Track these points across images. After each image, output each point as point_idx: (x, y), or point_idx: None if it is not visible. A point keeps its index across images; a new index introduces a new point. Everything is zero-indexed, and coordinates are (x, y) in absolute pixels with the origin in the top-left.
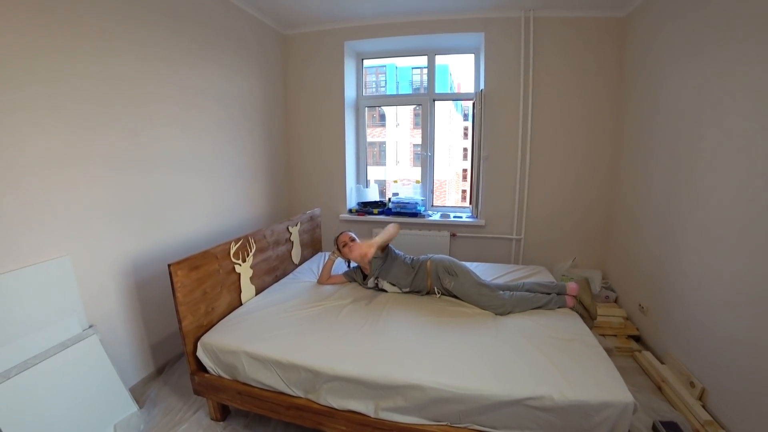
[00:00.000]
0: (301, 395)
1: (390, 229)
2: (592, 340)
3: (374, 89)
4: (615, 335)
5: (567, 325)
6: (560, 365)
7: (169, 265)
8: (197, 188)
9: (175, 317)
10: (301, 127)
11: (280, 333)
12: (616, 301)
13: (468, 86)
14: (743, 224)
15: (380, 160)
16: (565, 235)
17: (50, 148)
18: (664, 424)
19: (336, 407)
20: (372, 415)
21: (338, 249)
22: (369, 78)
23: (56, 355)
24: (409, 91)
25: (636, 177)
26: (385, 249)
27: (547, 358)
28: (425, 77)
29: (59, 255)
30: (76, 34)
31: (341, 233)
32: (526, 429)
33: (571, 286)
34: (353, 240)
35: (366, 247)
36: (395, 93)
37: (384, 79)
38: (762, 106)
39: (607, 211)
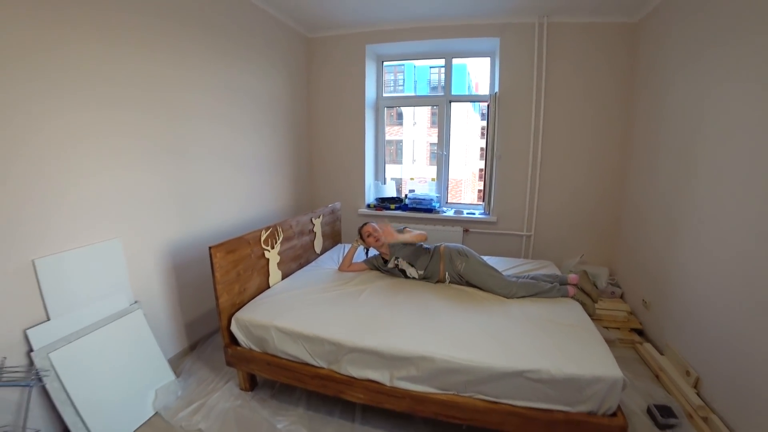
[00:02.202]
0: (324, 366)
1: (418, 234)
2: (590, 326)
3: (392, 88)
4: (618, 328)
5: (568, 312)
6: (558, 344)
7: (210, 248)
8: (229, 181)
9: (207, 299)
10: (322, 125)
11: (306, 311)
12: (622, 296)
13: (485, 86)
14: (739, 224)
15: (396, 159)
16: (574, 232)
17: (105, 146)
18: (658, 407)
19: (355, 376)
20: (387, 384)
21: (362, 238)
22: (387, 76)
23: (107, 326)
24: (427, 90)
25: (643, 177)
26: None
27: (546, 338)
28: (443, 76)
29: (111, 237)
30: (121, 42)
31: (365, 224)
32: (525, 399)
33: (572, 277)
34: (377, 230)
35: (392, 236)
36: (413, 91)
37: (402, 77)
38: (759, 109)
39: (615, 210)
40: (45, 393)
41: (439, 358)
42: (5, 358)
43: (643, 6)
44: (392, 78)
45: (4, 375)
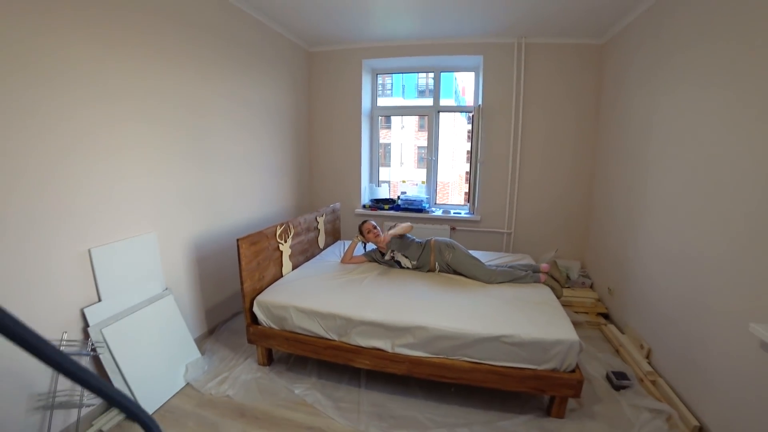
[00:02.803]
0: (336, 338)
1: (405, 225)
2: (556, 304)
3: (381, 92)
4: (587, 313)
5: (538, 294)
6: (528, 317)
7: (237, 240)
8: (241, 183)
9: (223, 289)
10: (322, 132)
11: (318, 293)
12: (591, 286)
13: (471, 90)
14: (681, 218)
15: (385, 161)
16: (549, 230)
17: (144, 153)
18: (615, 373)
19: (363, 346)
20: (390, 351)
21: (362, 234)
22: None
23: (145, 308)
24: (415, 94)
25: (608, 181)
26: (401, 237)
27: (519, 312)
28: (431, 80)
29: (149, 231)
30: (159, 64)
31: (365, 221)
32: (502, 360)
33: (544, 266)
34: (376, 227)
35: (387, 236)
36: (401, 95)
37: (391, 82)
38: (693, 122)
39: (585, 210)
40: (98, 363)
41: (431, 327)
42: (65, 332)
43: (608, 31)
44: (380, 82)
45: (65, 347)
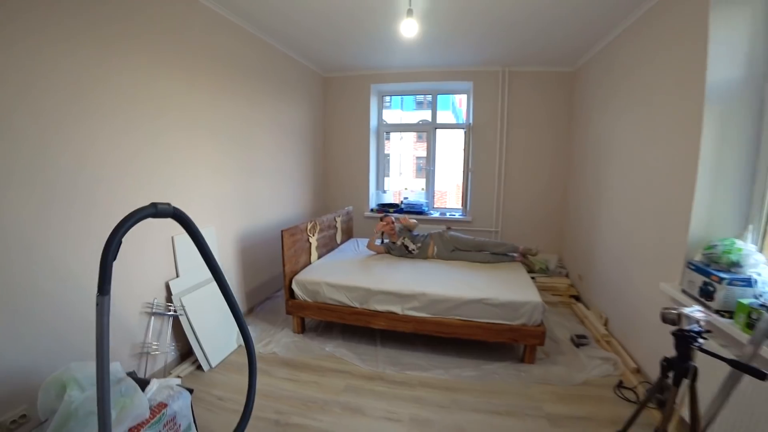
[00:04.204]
0: (358, 306)
1: (411, 220)
2: (526, 277)
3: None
4: (561, 296)
5: (515, 271)
6: (505, 285)
7: (282, 231)
8: (273, 189)
9: (258, 276)
10: (335, 146)
11: (344, 273)
12: (566, 275)
13: (465, 103)
14: (627, 214)
15: (385, 171)
16: (531, 228)
17: (207, 163)
18: (578, 335)
19: (379, 310)
20: (400, 313)
21: (381, 221)
22: None
23: (208, 285)
24: (413, 106)
25: (578, 186)
26: (409, 230)
27: (498, 282)
28: (428, 96)
29: (210, 225)
30: (219, 93)
31: (387, 215)
32: (484, 317)
33: (521, 248)
34: (393, 222)
35: (399, 222)
36: (400, 107)
37: (390, 96)
38: (633, 142)
39: (561, 211)
40: (177, 322)
41: (431, 293)
42: (156, 298)
43: (578, 60)
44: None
45: (155, 309)
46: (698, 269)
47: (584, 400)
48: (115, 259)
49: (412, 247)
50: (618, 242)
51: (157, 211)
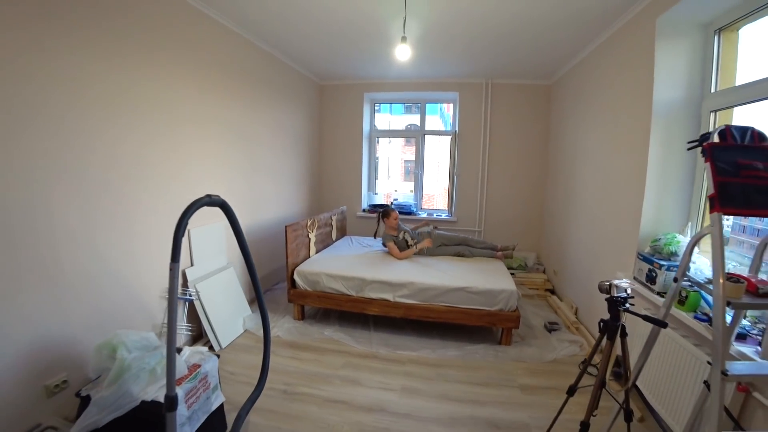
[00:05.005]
0: (354, 294)
1: (425, 243)
2: (505, 270)
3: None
4: (537, 289)
5: (493, 264)
6: (484, 276)
7: (285, 226)
8: (274, 188)
9: (261, 268)
10: (330, 150)
11: (342, 265)
12: (543, 271)
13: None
14: (592, 214)
15: (375, 174)
16: (511, 228)
17: (215, 164)
18: (550, 322)
19: (373, 297)
20: (392, 300)
21: (386, 216)
22: None
23: (218, 274)
24: (402, 111)
25: (553, 190)
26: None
27: (479, 273)
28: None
29: (219, 221)
30: (229, 100)
31: (393, 210)
32: (466, 304)
33: (499, 247)
34: (396, 219)
35: (416, 248)
36: (389, 112)
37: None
38: (599, 150)
39: (538, 212)
40: (191, 306)
41: (419, 282)
42: None
43: (554, 74)
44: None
45: None
46: (645, 259)
47: (552, 374)
48: (183, 235)
49: (411, 242)
50: (586, 239)
51: (211, 200)
